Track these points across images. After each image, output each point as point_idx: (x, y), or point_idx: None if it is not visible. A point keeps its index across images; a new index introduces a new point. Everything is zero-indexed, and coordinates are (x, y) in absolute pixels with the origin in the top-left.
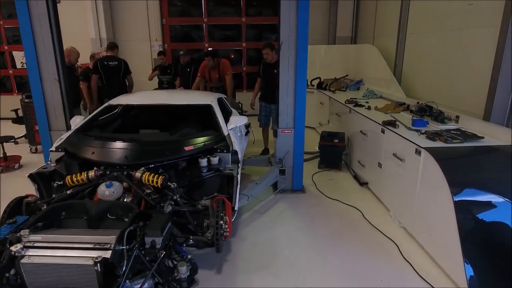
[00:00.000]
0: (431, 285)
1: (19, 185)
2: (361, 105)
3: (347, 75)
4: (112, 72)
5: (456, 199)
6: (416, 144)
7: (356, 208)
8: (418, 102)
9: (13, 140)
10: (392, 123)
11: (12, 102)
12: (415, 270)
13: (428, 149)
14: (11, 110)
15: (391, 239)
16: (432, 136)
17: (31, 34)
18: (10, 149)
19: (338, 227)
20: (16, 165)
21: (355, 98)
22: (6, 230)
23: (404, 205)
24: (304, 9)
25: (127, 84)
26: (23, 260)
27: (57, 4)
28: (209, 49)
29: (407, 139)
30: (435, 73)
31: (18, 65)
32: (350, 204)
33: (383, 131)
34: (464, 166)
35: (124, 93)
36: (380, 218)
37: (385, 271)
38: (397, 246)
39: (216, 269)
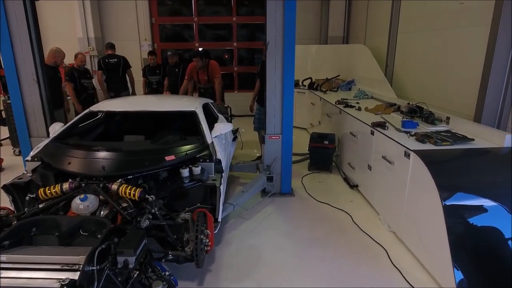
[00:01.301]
0: None
1: None
2: (351, 106)
3: (338, 75)
4: (113, 69)
5: (446, 203)
6: (405, 147)
7: (345, 211)
8: (408, 103)
9: None
10: (381, 125)
11: None
12: (403, 276)
13: (417, 152)
14: None
15: (380, 244)
16: (422, 138)
17: (7, 33)
18: None
19: (326, 232)
20: None
21: (346, 99)
22: None
23: (394, 209)
24: (290, 8)
25: (127, 78)
26: None
27: (39, 3)
28: (199, 49)
29: (396, 141)
30: (426, 73)
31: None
32: (339, 207)
33: (372, 133)
34: (454, 169)
35: (124, 86)
36: (370, 222)
37: (373, 278)
38: (386, 251)
39: (198, 281)
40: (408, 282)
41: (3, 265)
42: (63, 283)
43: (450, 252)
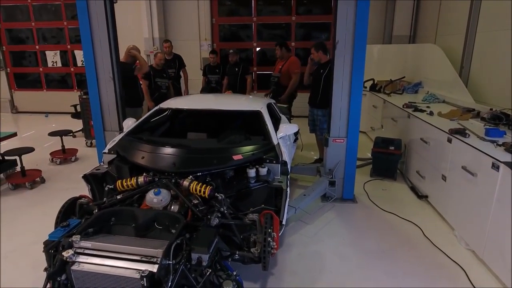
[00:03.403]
0: None
1: (75, 178)
2: (421, 110)
3: (403, 77)
4: None
5: None
6: (493, 158)
7: (415, 223)
8: (491, 109)
9: (71, 134)
10: (460, 132)
11: (72, 98)
12: None
13: (509, 164)
14: (71, 105)
15: (457, 263)
16: None
17: (89, 32)
18: (69, 142)
19: (394, 244)
20: (73, 158)
21: (414, 102)
22: (59, 233)
23: (474, 225)
24: (363, 7)
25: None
26: (73, 267)
27: (114, 4)
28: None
29: (481, 151)
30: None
31: (79, 63)
32: (407, 218)
33: (449, 140)
34: None
35: None
36: (443, 237)
37: None
38: (465, 271)
39: (260, 283)
40: None
41: (88, 251)
42: (143, 274)
43: None
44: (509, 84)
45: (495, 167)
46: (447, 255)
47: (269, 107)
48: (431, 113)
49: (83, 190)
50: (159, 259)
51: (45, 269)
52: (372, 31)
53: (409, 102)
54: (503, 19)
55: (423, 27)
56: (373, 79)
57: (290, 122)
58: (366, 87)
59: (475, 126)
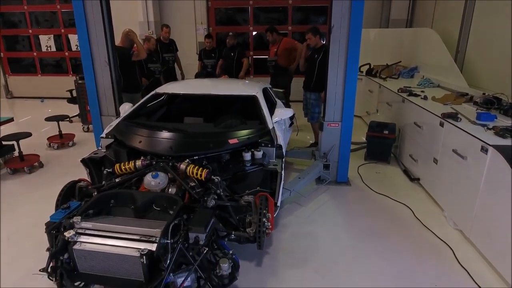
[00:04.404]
0: None
1: (73, 163)
2: (416, 95)
3: (400, 62)
4: None
5: None
6: (482, 141)
7: (406, 205)
8: (484, 93)
9: (67, 119)
10: (453, 116)
11: (67, 83)
12: (473, 278)
13: (497, 147)
14: (67, 91)
15: (444, 242)
16: (502, 132)
17: (83, 16)
18: (65, 127)
19: (385, 225)
20: (70, 143)
21: (409, 87)
22: (60, 214)
23: (463, 206)
24: None
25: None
26: (75, 246)
27: None
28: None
29: (471, 135)
30: (505, 60)
31: (73, 48)
32: (399, 200)
33: (441, 124)
34: None
35: None
36: (433, 218)
37: (437, 276)
38: (452, 250)
39: (256, 261)
40: (476, 283)
41: (89, 232)
42: (142, 252)
43: None
44: (503, 68)
45: (484, 150)
46: (436, 235)
47: (265, 91)
48: (425, 98)
49: (82, 174)
50: (157, 238)
51: (48, 249)
52: (369, 15)
53: (404, 86)
54: (499, 3)
55: (421, 11)
56: (369, 64)
57: (289, 106)
58: (362, 72)
59: (468, 110)
